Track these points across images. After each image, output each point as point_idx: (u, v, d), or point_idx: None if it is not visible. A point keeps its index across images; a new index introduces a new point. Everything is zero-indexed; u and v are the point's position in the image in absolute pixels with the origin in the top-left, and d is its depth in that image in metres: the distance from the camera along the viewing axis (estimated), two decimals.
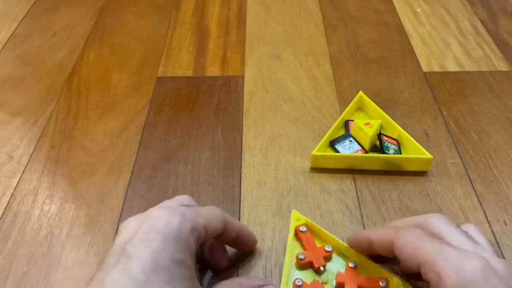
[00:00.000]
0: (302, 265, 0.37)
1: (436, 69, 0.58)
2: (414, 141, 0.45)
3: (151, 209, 0.32)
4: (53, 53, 0.63)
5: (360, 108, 0.52)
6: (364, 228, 0.40)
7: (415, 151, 0.45)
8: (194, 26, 0.68)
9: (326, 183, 0.44)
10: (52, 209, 0.43)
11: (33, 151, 0.49)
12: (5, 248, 0.40)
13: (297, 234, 0.39)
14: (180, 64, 0.61)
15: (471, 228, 0.34)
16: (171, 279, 0.28)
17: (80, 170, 0.47)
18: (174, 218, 0.30)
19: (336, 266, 0.37)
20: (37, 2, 0.75)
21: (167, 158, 0.48)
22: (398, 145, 0.47)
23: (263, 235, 0.40)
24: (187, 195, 0.36)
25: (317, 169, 0.46)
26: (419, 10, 0.70)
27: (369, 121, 0.47)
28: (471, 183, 0.44)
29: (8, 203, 0.44)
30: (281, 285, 0.35)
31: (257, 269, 0.38)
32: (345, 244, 0.38)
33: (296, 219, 0.40)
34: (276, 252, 0.39)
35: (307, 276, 0.37)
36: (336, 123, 0.48)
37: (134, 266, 0.28)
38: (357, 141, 0.47)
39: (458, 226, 0.33)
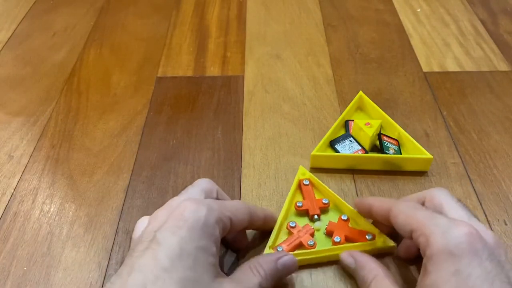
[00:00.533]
0: (299, 211, 0.41)
1: (436, 69, 0.58)
2: (414, 141, 0.45)
3: (177, 199, 0.34)
4: (53, 53, 0.63)
5: (360, 108, 0.52)
6: None
7: (415, 151, 0.45)
8: (194, 26, 0.68)
9: (326, 183, 0.44)
10: (52, 209, 0.43)
11: (33, 151, 0.49)
12: (5, 248, 0.40)
13: (300, 186, 0.43)
14: (180, 64, 0.61)
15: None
16: (195, 264, 0.30)
17: (80, 170, 0.47)
18: (201, 209, 0.32)
19: (330, 218, 0.41)
20: (37, 2, 0.75)
21: (167, 158, 0.48)
22: (398, 145, 0.47)
23: None
24: (208, 179, 0.38)
25: (317, 169, 0.46)
26: (419, 10, 0.70)
27: (369, 121, 0.47)
28: (471, 183, 0.44)
29: (8, 203, 0.44)
30: (275, 226, 0.39)
31: None
32: (342, 200, 0.41)
33: (302, 173, 0.44)
34: None
35: (301, 221, 0.41)
36: (336, 123, 0.48)
37: (161, 252, 0.29)
38: (357, 141, 0.47)
39: (459, 200, 0.35)
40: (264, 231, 0.40)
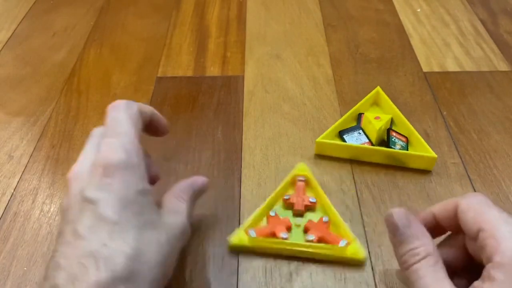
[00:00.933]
0: (285, 204, 0.42)
1: (436, 69, 0.58)
2: (422, 140, 0.45)
3: (87, 147, 0.34)
4: (53, 53, 0.63)
5: (376, 103, 0.52)
6: (364, 228, 0.40)
7: (421, 150, 0.45)
8: (194, 26, 0.68)
9: (326, 183, 0.44)
10: (52, 209, 0.43)
11: (33, 151, 0.49)
12: (5, 248, 0.40)
13: (294, 181, 0.43)
14: (180, 64, 0.61)
15: None
16: (142, 208, 0.30)
17: None
18: (119, 153, 0.30)
19: (313, 217, 0.41)
20: (37, 2, 0.75)
21: (167, 158, 0.48)
22: (407, 142, 0.47)
23: None
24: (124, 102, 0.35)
25: (317, 169, 0.46)
26: (419, 10, 0.70)
27: (380, 115, 0.48)
28: (471, 183, 0.44)
29: (8, 203, 0.44)
30: (256, 210, 0.40)
31: (257, 269, 0.38)
32: (330, 203, 0.41)
33: (301, 169, 0.44)
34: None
35: (284, 214, 0.41)
36: (348, 113, 0.49)
37: (103, 209, 0.28)
38: (365, 134, 0.47)
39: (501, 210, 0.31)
40: (153, 134, 0.39)
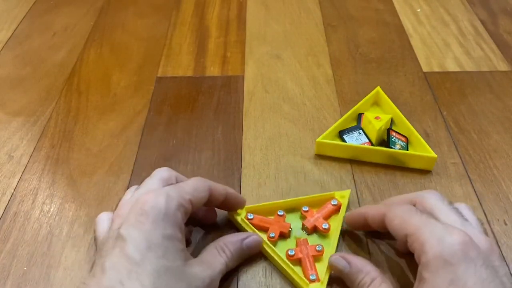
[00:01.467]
0: (301, 215, 0.41)
1: (436, 69, 0.58)
2: (422, 140, 0.45)
3: (137, 193, 0.35)
4: (53, 53, 0.63)
5: (376, 103, 0.52)
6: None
7: (421, 150, 0.45)
8: (194, 26, 0.68)
9: (326, 183, 0.44)
10: (52, 209, 0.43)
11: (33, 151, 0.49)
12: (5, 248, 0.40)
13: (327, 200, 0.41)
14: (180, 64, 0.61)
15: (461, 206, 0.35)
16: (165, 253, 0.31)
17: (80, 170, 0.47)
18: (160, 199, 0.32)
19: (315, 240, 0.39)
20: (37, 2, 0.75)
21: (167, 158, 0.48)
22: (407, 142, 0.47)
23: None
24: (165, 168, 0.38)
25: (317, 169, 0.46)
26: (419, 10, 0.70)
27: (380, 115, 0.47)
28: (471, 183, 0.44)
29: (8, 203, 0.44)
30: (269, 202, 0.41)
31: (257, 269, 0.38)
32: (337, 239, 0.39)
33: (341, 195, 0.42)
34: None
35: (294, 220, 0.41)
36: (348, 113, 0.49)
37: (129, 248, 0.30)
38: (365, 134, 0.47)
39: (451, 203, 0.34)
40: (228, 210, 0.40)
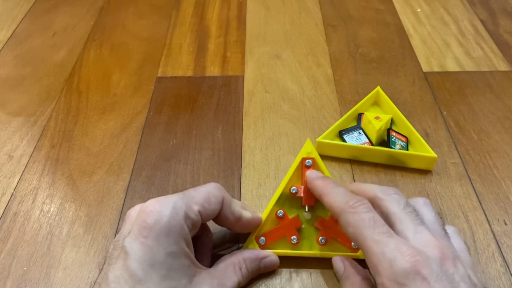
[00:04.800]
0: (293, 198, 0.39)
1: (436, 69, 0.58)
2: (422, 140, 0.45)
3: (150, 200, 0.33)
4: (53, 53, 0.63)
5: (376, 103, 0.52)
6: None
7: (421, 150, 0.45)
8: (194, 26, 0.68)
9: None
10: (52, 209, 0.43)
11: (33, 151, 0.49)
12: (5, 248, 0.40)
13: (302, 166, 0.39)
14: (180, 64, 0.61)
15: (419, 203, 0.34)
16: (169, 271, 0.30)
17: (80, 170, 0.47)
18: (165, 212, 0.31)
19: (322, 212, 0.39)
20: (37, 2, 0.75)
21: (167, 158, 0.48)
22: (407, 142, 0.47)
23: None
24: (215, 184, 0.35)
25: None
26: (419, 10, 0.70)
27: (379, 115, 0.47)
28: (471, 183, 0.44)
29: (8, 203, 0.44)
30: (264, 211, 0.38)
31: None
32: None
33: (307, 151, 0.39)
34: None
35: (291, 210, 0.39)
36: (348, 113, 0.49)
37: (132, 263, 0.29)
38: (365, 134, 0.47)
39: (407, 204, 0.33)
40: (240, 233, 0.38)
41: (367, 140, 0.47)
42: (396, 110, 0.49)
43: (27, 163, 0.48)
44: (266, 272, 0.37)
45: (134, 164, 0.47)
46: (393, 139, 0.46)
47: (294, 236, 0.38)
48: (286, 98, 0.54)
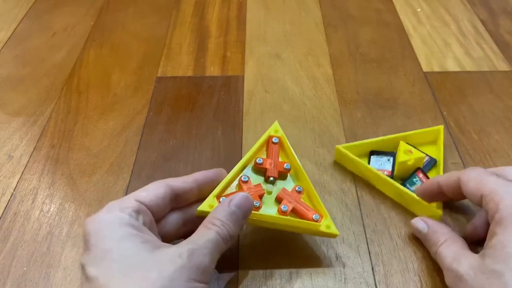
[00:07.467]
0: (257, 169, 0.40)
1: (436, 69, 0.58)
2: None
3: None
4: (53, 53, 0.63)
5: (434, 142, 0.47)
6: (364, 228, 0.40)
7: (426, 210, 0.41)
8: (194, 26, 0.68)
9: (326, 183, 0.44)
10: (52, 209, 0.43)
11: (33, 151, 0.49)
12: (5, 248, 0.40)
13: (268, 143, 0.41)
14: (180, 64, 0.61)
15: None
16: (125, 250, 0.30)
17: (80, 170, 0.47)
18: (99, 215, 0.32)
19: (286, 185, 0.40)
20: (37, 2, 0.75)
21: (167, 158, 0.48)
22: None
23: None
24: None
25: (317, 169, 0.46)
26: (419, 10, 0.70)
27: (414, 150, 0.43)
28: None
29: (8, 203, 0.44)
30: (227, 176, 0.38)
31: (257, 268, 0.38)
32: (304, 171, 0.39)
33: (275, 130, 0.42)
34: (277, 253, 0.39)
35: (256, 179, 0.39)
36: (391, 137, 0.46)
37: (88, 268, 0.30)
38: (393, 164, 0.44)
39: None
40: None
41: (390, 169, 0.44)
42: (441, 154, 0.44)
43: (27, 163, 0.48)
44: (246, 213, 0.34)
45: (134, 164, 0.47)
46: (414, 179, 0.43)
47: (256, 201, 0.37)
48: (286, 98, 0.54)
